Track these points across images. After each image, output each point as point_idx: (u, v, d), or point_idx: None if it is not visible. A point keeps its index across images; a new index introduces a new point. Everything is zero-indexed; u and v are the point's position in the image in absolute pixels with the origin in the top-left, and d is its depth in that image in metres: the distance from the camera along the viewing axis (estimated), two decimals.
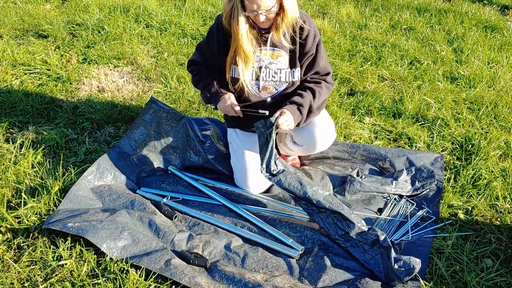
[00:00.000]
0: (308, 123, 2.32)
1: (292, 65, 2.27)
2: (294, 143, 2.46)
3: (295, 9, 2.10)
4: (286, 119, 2.14)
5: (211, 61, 2.33)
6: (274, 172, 2.18)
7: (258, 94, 2.32)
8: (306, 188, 2.13)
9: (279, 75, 2.27)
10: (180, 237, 2.14)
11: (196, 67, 2.40)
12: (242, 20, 2.07)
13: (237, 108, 2.25)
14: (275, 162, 2.19)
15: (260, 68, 2.26)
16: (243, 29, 2.09)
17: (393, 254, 1.94)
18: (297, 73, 2.29)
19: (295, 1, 2.09)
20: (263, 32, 2.20)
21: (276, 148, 2.68)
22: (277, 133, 2.34)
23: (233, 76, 2.26)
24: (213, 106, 2.34)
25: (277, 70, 2.26)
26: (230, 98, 2.25)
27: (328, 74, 2.33)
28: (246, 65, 2.20)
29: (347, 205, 2.31)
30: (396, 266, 1.91)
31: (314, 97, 2.25)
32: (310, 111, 2.25)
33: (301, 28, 2.19)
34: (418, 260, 1.92)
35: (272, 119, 2.12)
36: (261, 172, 2.21)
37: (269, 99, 2.31)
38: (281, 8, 2.06)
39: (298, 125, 2.25)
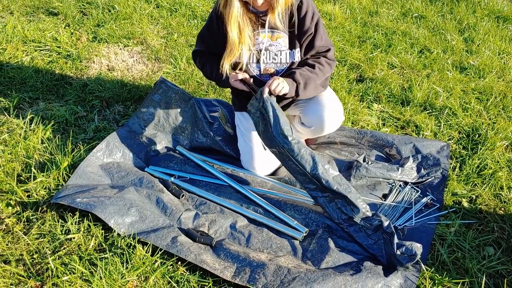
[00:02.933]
0: (312, 97, 2.34)
1: (291, 45, 2.28)
2: (302, 124, 2.48)
3: None
4: (278, 83, 2.13)
5: (214, 48, 2.32)
6: (290, 138, 2.12)
7: (259, 76, 2.33)
8: (318, 165, 2.11)
9: (280, 57, 2.28)
10: (187, 216, 2.17)
11: (202, 58, 2.39)
12: (235, 4, 2.06)
13: (246, 75, 2.30)
14: (290, 127, 2.15)
15: (260, 50, 2.26)
16: (234, 14, 2.08)
17: (395, 240, 1.96)
18: (297, 54, 2.29)
19: None
20: (261, 15, 2.19)
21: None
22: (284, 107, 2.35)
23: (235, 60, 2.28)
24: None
25: (277, 51, 2.27)
26: (240, 75, 2.31)
27: (328, 50, 2.32)
28: (231, 52, 2.19)
29: None
30: (398, 253, 1.93)
31: (312, 67, 2.25)
32: (308, 80, 2.22)
33: (299, 8, 2.19)
34: (419, 245, 1.94)
35: (262, 88, 2.15)
36: (265, 149, 2.20)
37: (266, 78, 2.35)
38: None
39: (297, 94, 2.22)
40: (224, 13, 2.11)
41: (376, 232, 2.06)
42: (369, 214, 2.09)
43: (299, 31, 2.24)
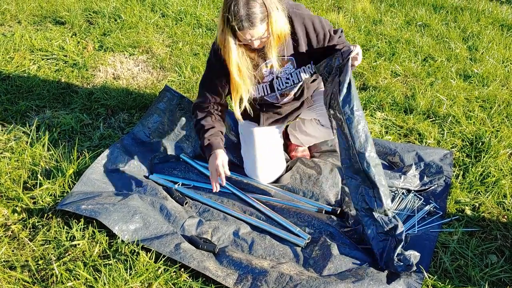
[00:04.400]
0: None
1: (299, 65, 2.24)
2: (322, 126, 2.47)
3: (283, 26, 2.01)
4: (357, 51, 2.06)
5: (220, 92, 2.26)
6: (354, 108, 2.02)
7: (279, 102, 2.35)
8: (367, 144, 2.04)
9: (292, 79, 2.27)
10: (190, 223, 2.19)
11: (200, 112, 2.30)
12: (233, 49, 2.00)
13: (223, 174, 2.18)
14: (358, 99, 2.06)
15: (272, 80, 2.26)
16: (234, 59, 2.02)
17: (398, 249, 1.96)
18: (308, 69, 2.26)
19: (282, 16, 1.98)
20: (263, 50, 2.13)
21: (288, 139, 2.73)
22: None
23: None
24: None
25: (288, 75, 2.26)
26: (220, 158, 2.19)
27: (335, 32, 2.23)
28: (236, 94, 2.15)
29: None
30: (396, 259, 1.95)
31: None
32: None
33: (294, 34, 2.13)
34: (417, 255, 1.95)
35: (350, 49, 2.04)
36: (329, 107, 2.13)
37: (286, 99, 2.36)
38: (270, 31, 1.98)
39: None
40: (224, 57, 2.06)
41: (385, 233, 2.05)
42: (390, 214, 2.07)
43: (309, 50, 2.20)
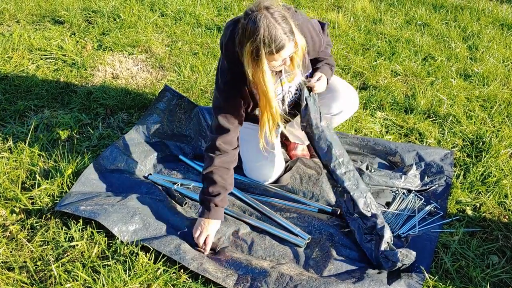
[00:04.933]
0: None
1: (303, 74, 2.23)
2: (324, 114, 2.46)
3: (303, 39, 1.98)
4: (321, 85, 2.17)
5: (241, 120, 2.17)
6: (313, 125, 2.18)
7: (287, 111, 2.33)
8: (332, 157, 2.17)
9: (299, 88, 2.27)
10: (190, 223, 2.17)
11: (217, 159, 2.11)
12: (270, 80, 1.94)
13: (209, 246, 2.06)
14: (319, 116, 2.21)
15: (284, 96, 2.24)
16: (272, 90, 1.97)
17: (383, 244, 1.97)
18: (309, 75, 2.27)
19: (297, 30, 1.94)
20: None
21: (286, 137, 2.72)
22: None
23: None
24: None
25: (296, 86, 2.25)
26: (213, 231, 2.09)
27: (323, 27, 2.25)
28: (274, 121, 2.10)
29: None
30: (381, 256, 1.95)
31: (328, 62, 2.31)
32: (331, 73, 2.31)
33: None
34: (413, 253, 1.94)
35: (306, 90, 2.20)
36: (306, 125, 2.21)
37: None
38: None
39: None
40: (259, 90, 2.00)
41: (370, 233, 2.07)
42: (368, 214, 2.09)
43: (309, 57, 2.22)
